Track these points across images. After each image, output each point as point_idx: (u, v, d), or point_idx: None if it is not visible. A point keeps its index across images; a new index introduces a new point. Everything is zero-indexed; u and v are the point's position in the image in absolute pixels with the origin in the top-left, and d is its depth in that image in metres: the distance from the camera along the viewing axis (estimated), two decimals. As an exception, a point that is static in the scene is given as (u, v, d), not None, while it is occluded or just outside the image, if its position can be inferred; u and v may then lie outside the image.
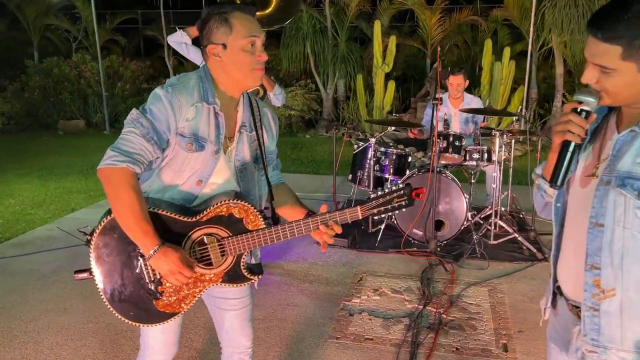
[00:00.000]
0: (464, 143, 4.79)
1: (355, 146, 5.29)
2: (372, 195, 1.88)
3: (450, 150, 4.75)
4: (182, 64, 15.36)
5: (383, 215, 1.91)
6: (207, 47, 1.84)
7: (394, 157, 5.07)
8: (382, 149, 5.09)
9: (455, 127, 5.37)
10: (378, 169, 5.08)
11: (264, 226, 1.88)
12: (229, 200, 1.85)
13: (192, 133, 1.84)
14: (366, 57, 12.50)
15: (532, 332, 3.37)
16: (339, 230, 1.87)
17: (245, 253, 1.90)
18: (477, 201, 5.69)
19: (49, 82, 12.49)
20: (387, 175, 5.09)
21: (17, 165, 8.64)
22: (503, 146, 4.67)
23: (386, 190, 1.88)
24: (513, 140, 4.82)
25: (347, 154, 6.49)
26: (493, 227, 4.75)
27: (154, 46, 16.35)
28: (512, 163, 4.99)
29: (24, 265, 4.44)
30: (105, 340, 3.28)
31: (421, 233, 4.72)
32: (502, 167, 4.78)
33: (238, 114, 1.96)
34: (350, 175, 5.35)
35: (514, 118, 4.90)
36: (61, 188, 7.15)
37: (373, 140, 4.96)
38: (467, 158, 4.85)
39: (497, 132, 4.59)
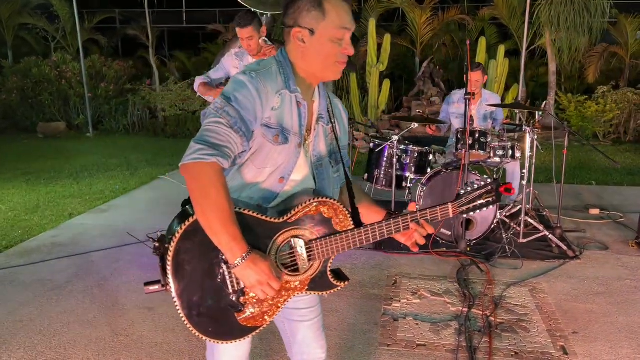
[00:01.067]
0: (489, 139, 4.67)
1: (372, 145, 5.14)
2: (462, 192, 1.75)
3: (476, 147, 4.63)
4: (165, 64, 15.01)
5: (472, 213, 1.77)
6: (292, 30, 1.65)
7: (415, 155, 4.93)
8: (402, 147, 4.94)
9: (474, 124, 5.26)
10: (399, 167, 4.93)
11: (353, 226, 1.71)
12: (317, 199, 1.67)
13: (278, 124, 1.65)
14: (355, 56, 12.37)
15: (588, 333, 3.26)
16: (430, 229, 1.73)
17: (333, 257, 1.72)
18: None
19: (27, 82, 11.98)
20: (407, 174, 4.95)
21: None
22: (532, 142, 4.56)
23: (475, 186, 1.75)
24: (536, 136, 4.72)
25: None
26: (522, 226, 4.63)
27: (134, 46, 15.93)
28: (534, 160, 4.89)
29: (33, 275, 4.13)
30: (140, 354, 3.03)
31: (449, 233, 4.59)
32: (528, 164, 4.68)
33: (315, 104, 1.78)
34: (366, 175, 5.19)
35: (538, 113, 4.80)
36: (53, 193, 6.79)
37: (395, 138, 4.80)
38: (492, 155, 4.74)
39: (528, 128, 4.48)
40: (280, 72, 1.67)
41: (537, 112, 4.87)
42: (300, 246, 1.68)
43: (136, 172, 7.91)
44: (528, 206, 4.97)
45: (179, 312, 1.62)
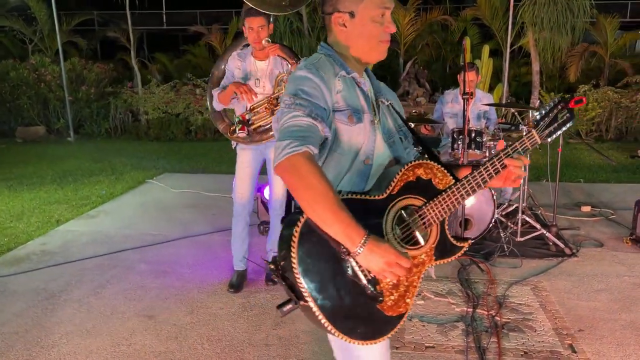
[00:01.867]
0: (485, 139, 4.68)
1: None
2: (538, 117, 1.71)
3: (472, 146, 4.63)
4: (146, 67, 14.81)
5: (554, 136, 1.72)
6: (332, 16, 1.64)
7: (411, 156, 4.91)
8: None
9: (469, 123, 5.26)
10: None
11: (454, 181, 1.66)
12: (410, 163, 1.61)
13: (347, 104, 1.63)
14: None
15: (593, 331, 3.27)
16: (526, 160, 1.67)
17: (447, 218, 1.67)
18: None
19: (5, 86, 11.68)
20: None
21: (-21, 175, 8.00)
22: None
23: (547, 108, 1.70)
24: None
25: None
26: (520, 224, 4.64)
27: (113, 48, 15.68)
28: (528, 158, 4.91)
29: (24, 284, 4.00)
30: (144, 364, 2.95)
31: (447, 233, 4.57)
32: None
33: (368, 84, 1.77)
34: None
35: (532, 112, 4.83)
36: (37, 199, 6.62)
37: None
38: (487, 154, 4.74)
39: (525, 127, 4.50)
40: (331, 60, 1.67)
41: (530, 111, 4.89)
42: (411, 216, 1.61)
43: (122, 177, 7.76)
44: (524, 204, 4.98)
45: (324, 323, 1.47)
